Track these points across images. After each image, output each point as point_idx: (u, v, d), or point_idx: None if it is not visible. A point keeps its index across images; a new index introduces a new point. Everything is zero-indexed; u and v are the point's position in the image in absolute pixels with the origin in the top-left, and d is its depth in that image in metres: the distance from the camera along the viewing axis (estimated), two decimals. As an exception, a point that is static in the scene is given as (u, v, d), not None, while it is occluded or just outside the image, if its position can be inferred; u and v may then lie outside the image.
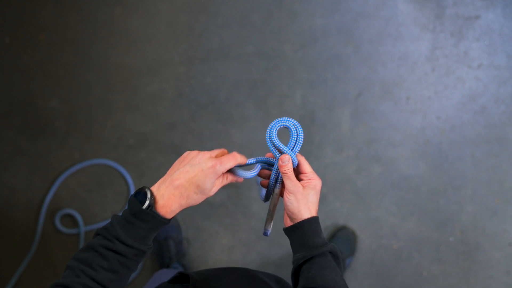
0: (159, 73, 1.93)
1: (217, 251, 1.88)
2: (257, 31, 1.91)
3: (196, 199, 0.79)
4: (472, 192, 1.84)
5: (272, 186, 0.90)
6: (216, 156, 0.82)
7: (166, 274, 1.26)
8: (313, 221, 0.85)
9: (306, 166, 0.88)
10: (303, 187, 0.86)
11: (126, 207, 0.78)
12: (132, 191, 1.89)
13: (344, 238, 1.80)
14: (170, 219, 0.79)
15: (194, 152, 0.81)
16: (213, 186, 0.80)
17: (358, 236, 1.84)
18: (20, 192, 1.93)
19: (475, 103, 1.86)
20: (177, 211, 0.78)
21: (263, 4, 1.92)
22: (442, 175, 1.85)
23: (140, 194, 0.77)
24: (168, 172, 0.81)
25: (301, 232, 0.85)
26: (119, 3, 1.95)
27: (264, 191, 0.92)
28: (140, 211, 0.75)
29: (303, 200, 0.85)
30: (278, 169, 0.88)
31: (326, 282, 0.80)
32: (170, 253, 1.80)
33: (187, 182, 0.78)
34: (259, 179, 0.94)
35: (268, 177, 0.90)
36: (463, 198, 1.84)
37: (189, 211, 1.89)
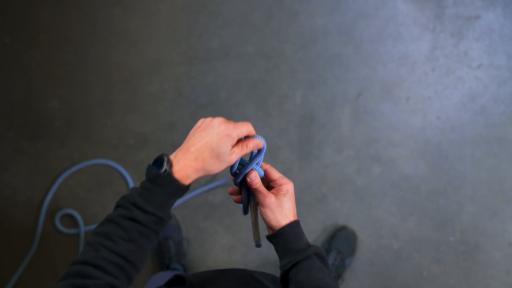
0: (159, 73, 1.93)
1: (217, 251, 1.88)
2: (257, 31, 1.91)
3: (213, 164, 0.78)
4: (472, 192, 1.84)
5: (246, 202, 0.90)
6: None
7: (162, 278, 1.26)
8: (292, 226, 0.85)
9: (273, 173, 0.87)
10: (275, 195, 0.86)
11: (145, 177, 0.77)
12: (132, 191, 1.89)
13: (344, 238, 1.80)
14: (188, 186, 0.78)
15: (209, 119, 0.80)
16: (231, 152, 0.79)
17: (358, 236, 1.84)
18: (20, 192, 1.93)
19: (475, 103, 1.86)
20: (194, 176, 0.77)
21: (263, 4, 1.92)
22: (442, 175, 1.85)
23: (158, 161, 0.76)
24: (184, 142, 0.80)
25: (283, 239, 0.85)
26: (119, 3, 1.95)
27: (241, 205, 0.92)
28: (156, 175, 0.75)
29: (278, 209, 0.85)
30: (246, 184, 0.88)
31: (314, 283, 0.80)
32: (170, 253, 1.80)
33: (201, 146, 0.77)
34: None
35: (239, 193, 0.90)
36: (463, 198, 1.84)
37: (189, 211, 1.89)
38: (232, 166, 0.85)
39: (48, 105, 1.95)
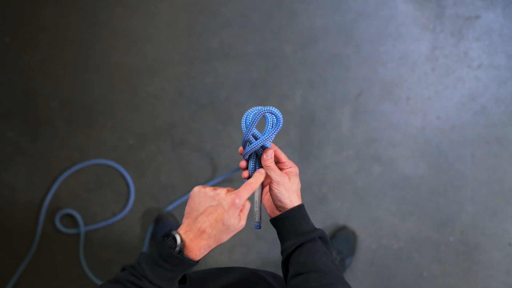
0: (159, 73, 1.93)
1: (217, 251, 1.88)
2: (257, 31, 1.91)
3: (225, 237, 0.80)
4: (472, 192, 1.84)
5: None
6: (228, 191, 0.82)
7: None
8: (301, 208, 0.87)
9: (282, 155, 0.89)
10: (288, 175, 0.88)
11: (154, 249, 0.78)
12: (132, 191, 1.89)
13: (344, 238, 1.80)
14: (199, 261, 0.79)
15: (208, 189, 0.81)
16: (239, 220, 0.81)
17: (358, 236, 1.84)
18: (20, 192, 1.93)
19: (475, 103, 1.86)
20: (206, 252, 0.79)
21: (263, 4, 1.92)
22: (442, 175, 1.85)
23: (169, 238, 0.77)
24: (185, 213, 0.81)
25: (291, 220, 0.86)
26: (119, 3, 1.95)
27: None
28: (170, 255, 0.76)
29: (292, 188, 0.87)
30: (256, 161, 0.89)
31: (317, 266, 0.80)
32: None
33: (212, 223, 0.78)
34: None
35: (247, 168, 0.91)
36: (463, 198, 1.84)
37: (189, 211, 1.89)
38: (244, 140, 0.86)
39: (48, 105, 1.95)
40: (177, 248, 0.76)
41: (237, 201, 0.80)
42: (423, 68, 1.87)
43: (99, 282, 1.87)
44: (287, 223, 0.86)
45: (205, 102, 1.91)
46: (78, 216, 1.90)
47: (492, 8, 1.87)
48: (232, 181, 1.89)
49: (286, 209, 0.86)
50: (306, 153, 1.86)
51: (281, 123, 0.84)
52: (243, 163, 0.90)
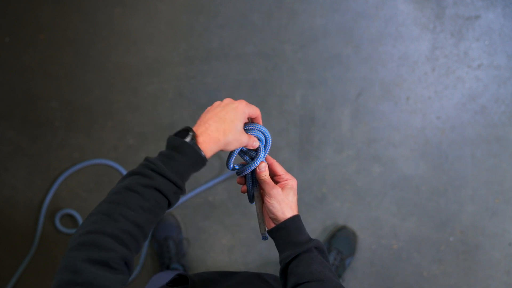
0: (159, 73, 1.93)
1: (217, 251, 1.88)
2: (257, 31, 1.91)
3: (231, 137, 0.80)
4: (472, 192, 1.84)
5: (251, 191, 0.93)
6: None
7: (163, 278, 1.26)
8: (295, 219, 0.87)
9: (278, 168, 0.90)
10: (282, 188, 0.88)
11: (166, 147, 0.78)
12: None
13: (344, 238, 1.80)
14: (207, 160, 0.79)
15: (225, 100, 0.84)
16: (243, 132, 0.83)
17: (358, 236, 1.84)
18: (20, 192, 1.93)
19: (475, 103, 1.86)
20: (214, 149, 0.79)
21: (263, 4, 1.92)
22: (442, 175, 1.85)
23: (180, 132, 0.77)
24: (200, 118, 0.82)
25: (286, 232, 0.86)
26: (119, 3, 1.95)
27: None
28: (182, 144, 0.75)
29: (284, 201, 0.87)
30: (252, 174, 0.91)
31: (315, 276, 0.81)
32: (170, 253, 1.80)
33: (220, 118, 0.80)
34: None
35: (245, 183, 0.93)
36: (463, 198, 1.84)
37: (189, 211, 1.89)
38: (230, 160, 0.88)
39: (48, 105, 1.95)
40: (189, 137, 0.76)
41: (244, 105, 0.82)
42: (423, 68, 1.87)
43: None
44: (282, 235, 0.87)
45: (205, 102, 1.91)
46: (78, 216, 1.90)
47: (492, 8, 1.87)
48: (233, 184, 1.89)
49: (279, 221, 0.87)
50: (306, 153, 1.86)
51: (269, 143, 0.88)
52: (240, 180, 0.93)
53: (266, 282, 0.97)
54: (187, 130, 0.77)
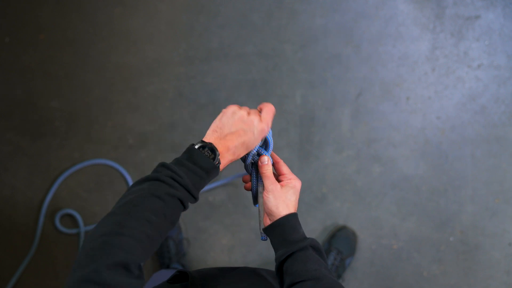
0: (159, 73, 1.93)
1: (217, 251, 1.88)
2: (257, 31, 1.91)
3: (242, 155, 0.86)
4: (472, 192, 1.84)
5: (256, 188, 0.93)
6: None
7: (163, 275, 1.26)
8: (291, 217, 0.87)
9: (283, 168, 0.92)
10: (282, 186, 0.89)
11: (190, 158, 0.80)
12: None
13: (344, 238, 1.80)
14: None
15: (244, 111, 0.85)
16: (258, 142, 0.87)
17: (358, 236, 1.84)
18: (20, 192, 1.93)
19: (475, 103, 1.86)
20: (225, 166, 0.84)
21: (263, 4, 1.92)
22: (442, 175, 1.85)
23: (206, 149, 0.80)
24: (215, 126, 0.84)
25: (281, 229, 0.87)
26: (119, 3, 1.95)
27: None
28: (213, 168, 0.80)
29: (281, 197, 0.88)
30: (258, 172, 0.92)
31: (310, 274, 0.81)
32: (170, 253, 1.80)
33: (240, 144, 0.83)
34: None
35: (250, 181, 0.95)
36: (463, 198, 1.84)
37: (189, 211, 1.89)
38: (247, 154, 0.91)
39: (48, 105, 1.95)
40: (217, 161, 0.80)
41: (266, 129, 0.85)
42: (423, 68, 1.87)
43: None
44: (277, 233, 0.87)
45: (205, 102, 1.91)
46: (78, 216, 1.90)
47: (492, 8, 1.87)
48: (233, 184, 1.89)
49: (275, 218, 0.87)
50: (306, 153, 1.86)
51: (271, 146, 0.90)
52: (245, 178, 0.95)
53: (264, 279, 0.97)
54: (213, 150, 0.80)
